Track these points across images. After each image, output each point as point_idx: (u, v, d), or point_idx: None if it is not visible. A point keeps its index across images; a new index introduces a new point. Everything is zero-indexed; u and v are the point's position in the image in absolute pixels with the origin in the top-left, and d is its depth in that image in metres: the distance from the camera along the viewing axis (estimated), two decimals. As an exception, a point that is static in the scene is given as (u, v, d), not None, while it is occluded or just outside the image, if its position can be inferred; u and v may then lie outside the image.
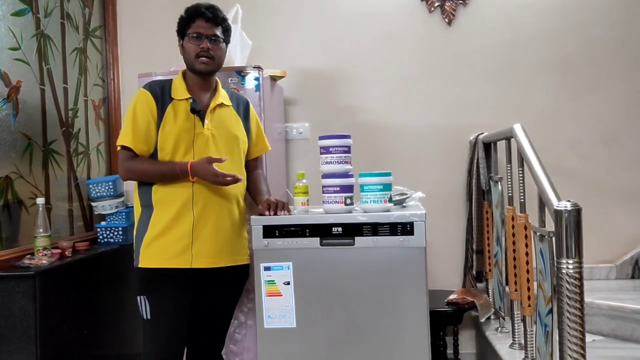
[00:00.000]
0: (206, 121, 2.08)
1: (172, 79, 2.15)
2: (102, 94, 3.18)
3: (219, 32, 2.10)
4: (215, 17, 2.09)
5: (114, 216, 2.89)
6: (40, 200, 2.39)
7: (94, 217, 2.98)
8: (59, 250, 2.46)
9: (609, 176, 3.09)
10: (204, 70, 2.09)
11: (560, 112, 3.11)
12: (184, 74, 2.16)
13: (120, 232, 2.86)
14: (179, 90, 2.10)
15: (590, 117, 3.10)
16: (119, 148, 2.09)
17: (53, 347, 2.24)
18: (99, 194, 2.86)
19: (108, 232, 2.87)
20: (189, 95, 2.09)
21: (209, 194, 2.05)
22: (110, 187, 2.85)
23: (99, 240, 2.88)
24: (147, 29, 3.25)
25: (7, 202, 2.32)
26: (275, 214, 2.08)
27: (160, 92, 2.08)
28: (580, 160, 3.09)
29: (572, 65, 3.10)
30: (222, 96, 2.18)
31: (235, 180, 2.00)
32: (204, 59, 2.07)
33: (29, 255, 2.31)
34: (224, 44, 2.15)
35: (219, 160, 1.98)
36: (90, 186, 2.87)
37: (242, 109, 2.24)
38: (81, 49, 2.97)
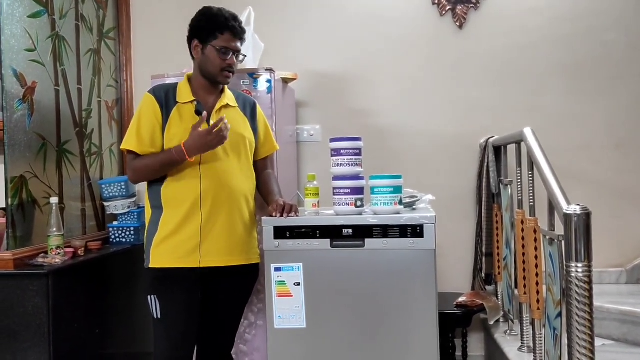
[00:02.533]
0: (212, 122, 2.10)
1: (177, 83, 2.18)
2: (116, 95, 3.22)
3: (240, 45, 2.14)
4: (242, 31, 2.13)
5: (125, 216, 2.92)
6: (54, 200, 2.42)
7: (106, 217, 3.01)
8: (71, 250, 2.49)
9: (620, 180, 3.08)
10: (224, 83, 2.14)
11: (571, 115, 3.10)
12: (189, 78, 2.19)
13: (132, 232, 2.89)
14: (184, 94, 2.13)
15: (601, 121, 3.09)
16: (125, 152, 2.13)
17: (66, 345, 2.26)
18: (111, 194, 2.89)
19: (120, 232, 2.90)
20: (193, 98, 2.12)
21: (216, 194, 2.07)
22: (123, 187, 2.88)
23: (110, 240, 2.91)
24: (160, 31, 3.28)
25: (21, 202, 2.35)
26: (282, 216, 2.08)
27: (165, 96, 2.11)
28: (591, 163, 3.09)
29: (584, 68, 3.10)
30: (228, 97, 2.20)
31: (222, 122, 1.95)
32: (227, 73, 2.11)
33: (42, 254, 2.34)
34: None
35: (201, 121, 1.96)
36: (103, 186, 2.90)
37: (249, 109, 2.26)
38: (95, 50, 3.01)
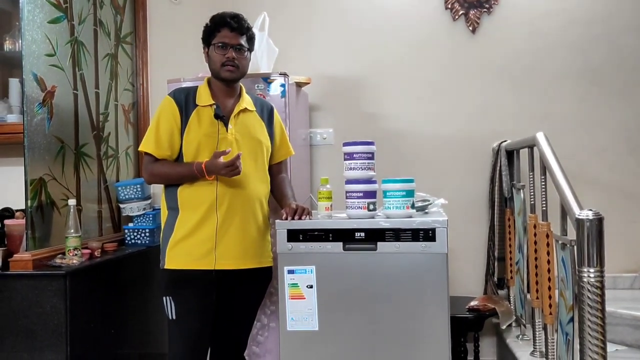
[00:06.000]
0: (230, 126, 2.13)
1: (197, 86, 2.21)
2: (132, 99, 3.26)
3: (243, 41, 2.15)
4: (240, 27, 2.14)
5: (141, 218, 2.95)
6: (72, 202, 2.45)
7: (122, 218, 3.05)
8: (88, 251, 2.53)
9: (635, 185, 3.06)
10: (229, 79, 2.15)
11: (586, 120, 3.09)
12: (208, 81, 2.22)
13: (147, 234, 2.93)
14: (203, 97, 2.16)
15: (616, 125, 3.08)
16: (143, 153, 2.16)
17: (82, 344, 2.30)
18: (127, 196, 2.93)
19: (135, 234, 2.94)
20: (213, 102, 2.15)
21: (232, 197, 2.10)
22: (138, 189, 2.92)
23: (126, 241, 2.95)
24: (176, 36, 3.32)
25: (40, 203, 2.39)
26: (293, 219, 2.10)
27: (185, 99, 2.15)
28: (605, 168, 3.07)
29: (599, 73, 3.09)
30: (246, 102, 2.23)
31: (237, 158, 1.99)
32: (229, 67, 2.12)
33: (60, 255, 2.37)
34: (249, 52, 2.20)
35: (224, 153, 2.01)
36: (119, 188, 2.94)
37: (266, 114, 2.29)
38: (112, 54, 3.05)
